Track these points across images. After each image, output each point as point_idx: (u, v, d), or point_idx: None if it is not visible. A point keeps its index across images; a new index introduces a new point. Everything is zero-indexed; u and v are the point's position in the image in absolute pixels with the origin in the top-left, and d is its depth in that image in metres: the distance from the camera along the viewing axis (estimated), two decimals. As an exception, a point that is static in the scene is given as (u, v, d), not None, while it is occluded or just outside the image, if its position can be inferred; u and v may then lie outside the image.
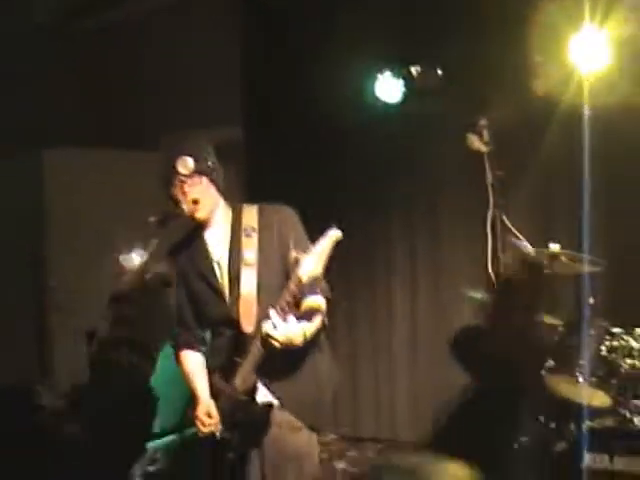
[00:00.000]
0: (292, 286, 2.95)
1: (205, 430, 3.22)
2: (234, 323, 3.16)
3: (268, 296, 3.10)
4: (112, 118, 7.22)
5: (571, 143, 4.84)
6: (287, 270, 3.11)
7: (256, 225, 3.18)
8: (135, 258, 3.17)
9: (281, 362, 3.11)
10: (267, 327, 2.99)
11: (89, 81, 7.28)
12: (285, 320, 2.97)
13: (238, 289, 3.18)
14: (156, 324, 4.29)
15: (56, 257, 6.31)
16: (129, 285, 3.48)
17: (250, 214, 3.23)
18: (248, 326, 3.13)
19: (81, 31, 7.14)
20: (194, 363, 3.39)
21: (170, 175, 3.15)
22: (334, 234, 2.92)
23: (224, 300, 3.22)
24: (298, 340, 3.02)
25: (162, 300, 3.46)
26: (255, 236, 3.17)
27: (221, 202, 3.27)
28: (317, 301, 3.15)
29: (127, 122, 7.16)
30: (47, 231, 6.29)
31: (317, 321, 3.13)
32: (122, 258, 3.15)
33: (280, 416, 3.17)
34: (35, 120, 6.92)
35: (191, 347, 3.39)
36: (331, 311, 3.20)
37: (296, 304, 3.07)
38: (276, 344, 2.99)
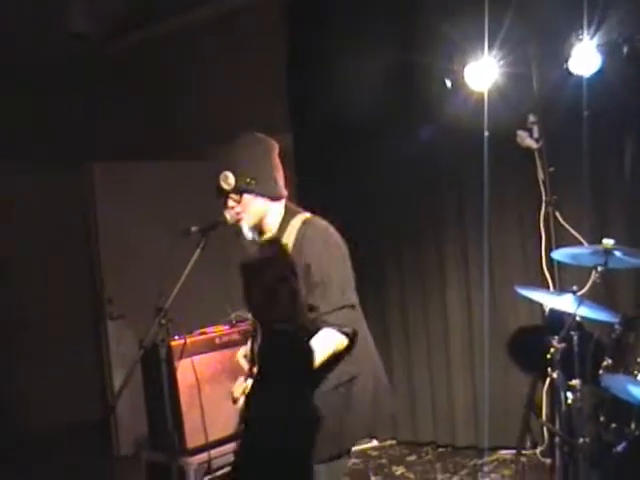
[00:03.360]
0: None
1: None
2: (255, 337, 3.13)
3: None
4: (161, 131, 7.31)
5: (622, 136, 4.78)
6: (307, 293, 3.06)
7: (292, 242, 3.14)
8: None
9: None
10: (239, 354, 3.09)
11: (137, 95, 7.38)
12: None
13: None
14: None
15: (109, 269, 6.39)
16: None
17: (293, 227, 3.19)
18: None
19: (126, 45, 7.24)
20: None
21: (217, 187, 3.20)
22: None
23: None
24: None
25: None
26: None
27: (273, 207, 3.26)
28: None
29: (176, 134, 7.23)
30: (100, 243, 6.38)
31: None
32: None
33: None
34: (84, 134, 7.05)
35: None
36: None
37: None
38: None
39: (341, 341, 3.05)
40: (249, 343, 3.02)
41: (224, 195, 3.21)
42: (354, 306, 3.13)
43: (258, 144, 3.28)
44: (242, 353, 3.03)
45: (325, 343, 3.01)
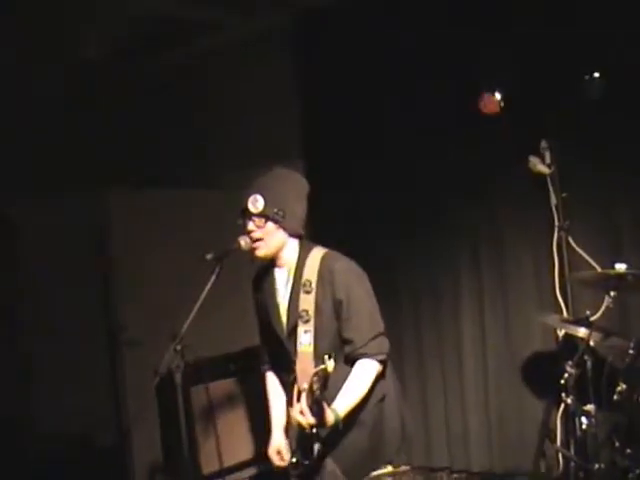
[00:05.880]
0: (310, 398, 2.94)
1: (278, 465, 3.34)
2: (293, 376, 3.22)
3: (323, 354, 3.10)
4: (175, 158, 7.35)
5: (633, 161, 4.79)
6: (340, 327, 3.18)
7: (315, 278, 3.18)
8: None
9: None
10: (295, 412, 3.02)
11: (153, 122, 7.43)
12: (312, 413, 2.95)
13: (295, 345, 3.22)
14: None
15: (123, 295, 6.41)
16: None
17: (313, 262, 3.23)
18: (302, 382, 3.13)
19: (141, 72, 7.30)
20: (272, 384, 3.51)
21: (243, 208, 3.23)
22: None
23: (286, 349, 3.28)
24: (328, 424, 2.99)
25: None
26: (313, 292, 3.17)
27: (290, 243, 3.29)
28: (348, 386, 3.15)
29: (190, 161, 7.28)
30: (115, 270, 6.39)
31: (351, 399, 3.11)
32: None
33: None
34: (101, 161, 7.09)
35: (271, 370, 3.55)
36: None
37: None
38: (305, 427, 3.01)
39: (378, 369, 3.20)
40: (304, 398, 3.01)
41: (248, 217, 3.23)
42: (383, 332, 3.25)
43: (293, 180, 3.35)
44: (297, 410, 3.04)
45: (366, 374, 3.16)
